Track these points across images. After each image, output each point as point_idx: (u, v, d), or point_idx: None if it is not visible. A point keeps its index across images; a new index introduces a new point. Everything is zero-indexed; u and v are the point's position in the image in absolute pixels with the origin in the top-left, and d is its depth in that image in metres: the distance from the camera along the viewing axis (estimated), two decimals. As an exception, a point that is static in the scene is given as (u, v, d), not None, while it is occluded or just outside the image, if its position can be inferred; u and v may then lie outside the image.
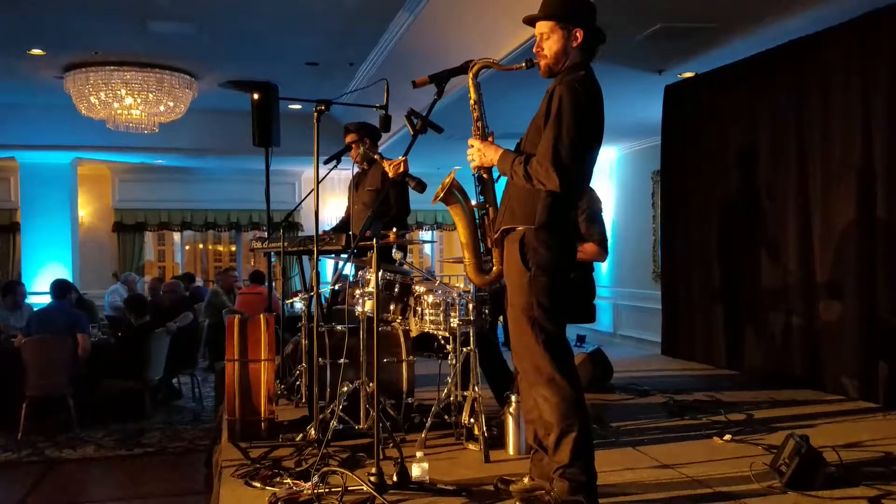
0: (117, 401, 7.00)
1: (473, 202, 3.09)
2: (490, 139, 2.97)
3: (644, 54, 5.96)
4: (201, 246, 19.36)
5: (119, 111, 7.99)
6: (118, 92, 7.70)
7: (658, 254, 8.75)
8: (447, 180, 3.06)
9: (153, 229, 13.07)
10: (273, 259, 6.36)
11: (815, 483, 2.98)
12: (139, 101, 7.86)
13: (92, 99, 7.84)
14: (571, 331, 2.97)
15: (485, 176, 3.00)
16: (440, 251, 15.30)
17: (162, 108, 8.13)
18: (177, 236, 14.50)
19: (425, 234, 13.46)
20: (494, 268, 3.06)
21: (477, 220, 3.11)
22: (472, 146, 2.95)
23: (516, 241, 2.80)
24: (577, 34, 2.79)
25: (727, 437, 3.80)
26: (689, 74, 6.62)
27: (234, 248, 15.10)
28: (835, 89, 5.10)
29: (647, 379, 5.65)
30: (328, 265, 10.55)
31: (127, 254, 12.72)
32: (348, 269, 5.80)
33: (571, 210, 2.87)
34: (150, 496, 5.25)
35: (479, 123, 2.99)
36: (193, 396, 7.93)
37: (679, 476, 3.20)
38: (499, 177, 2.98)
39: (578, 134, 2.67)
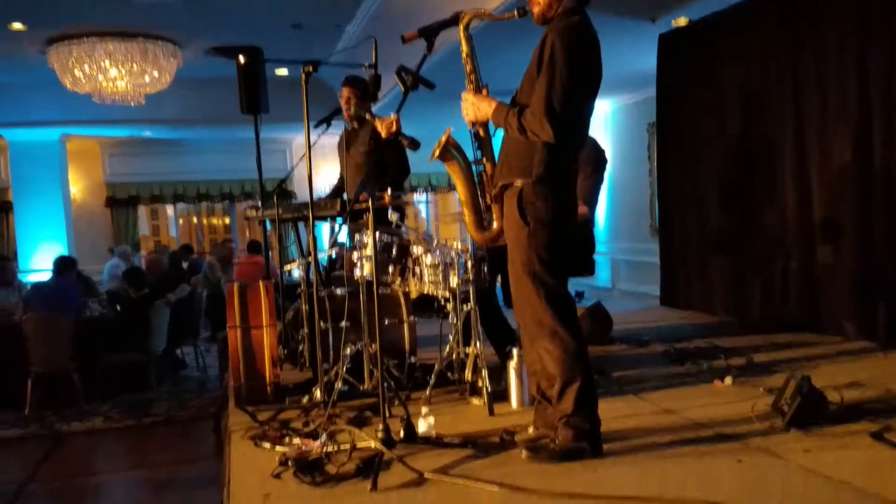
0: (121, 374, 7.03)
1: (471, 159, 3.08)
2: (484, 92, 2.94)
3: (635, 2, 5.87)
4: (195, 220, 19.30)
5: (104, 83, 7.92)
6: (102, 63, 7.61)
7: (655, 206, 8.75)
8: (443, 138, 3.04)
9: (146, 203, 13.05)
10: (269, 228, 6.34)
11: (816, 421, 3.01)
12: (124, 72, 7.78)
13: (76, 72, 7.76)
14: (570, 286, 2.98)
15: (481, 132, 2.98)
16: (435, 214, 15.28)
17: (147, 78, 8.05)
18: (170, 210, 14.48)
19: (420, 197, 13.44)
20: (495, 224, 3.06)
21: (475, 177, 3.09)
22: (466, 100, 2.91)
23: (514, 196, 2.78)
24: None
25: (728, 380, 3.83)
26: (682, 21, 6.53)
27: (227, 221, 15.08)
28: (831, 32, 5.04)
29: (646, 329, 5.68)
30: (324, 231, 10.53)
31: (121, 228, 12.71)
32: (344, 236, 5.78)
33: (570, 162, 2.83)
34: (160, 464, 5.30)
35: (473, 76, 2.96)
36: (198, 366, 7.99)
37: (682, 420, 3.24)
38: (495, 131, 2.96)
39: (572, 82, 2.63)
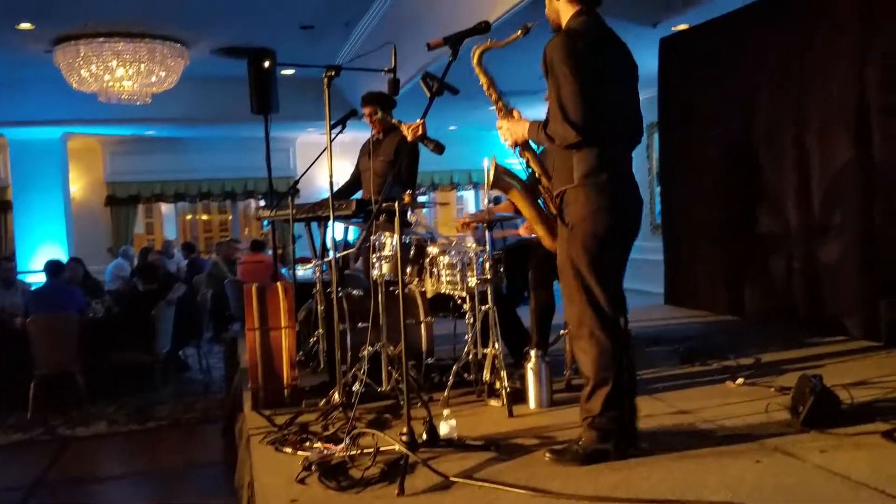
0: (126, 375, 6.98)
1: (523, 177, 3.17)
2: (515, 115, 3.00)
3: (637, 8, 5.96)
4: (189, 217, 19.18)
5: (110, 83, 7.91)
6: (109, 64, 7.60)
7: (657, 205, 8.81)
8: (491, 169, 3.13)
9: (147, 202, 13.00)
10: (265, 227, 6.35)
11: (831, 421, 3.05)
12: (131, 72, 7.77)
13: (83, 72, 7.75)
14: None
15: (526, 154, 3.05)
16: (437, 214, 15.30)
17: (154, 78, 8.05)
18: (164, 207, 14.41)
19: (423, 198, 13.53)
20: None
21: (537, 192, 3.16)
22: (501, 128, 2.99)
23: (559, 202, 2.85)
24: None
25: (739, 380, 3.88)
26: (683, 27, 6.59)
27: (227, 218, 15.07)
28: (830, 33, 5.10)
29: (652, 328, 5.73)
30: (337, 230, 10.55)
31: (121, 228, 12.68)
32: (350, 235, 5.82)
33: (611, 158, 2.79)
34: (168, 469, 5.26)
35: (500, 104, 3.03)
36: (201, 367, 7.95)
37: (698, 420, 3.28)
38: (538, 147, 3.03)
39: (577, 81, 2.66)
